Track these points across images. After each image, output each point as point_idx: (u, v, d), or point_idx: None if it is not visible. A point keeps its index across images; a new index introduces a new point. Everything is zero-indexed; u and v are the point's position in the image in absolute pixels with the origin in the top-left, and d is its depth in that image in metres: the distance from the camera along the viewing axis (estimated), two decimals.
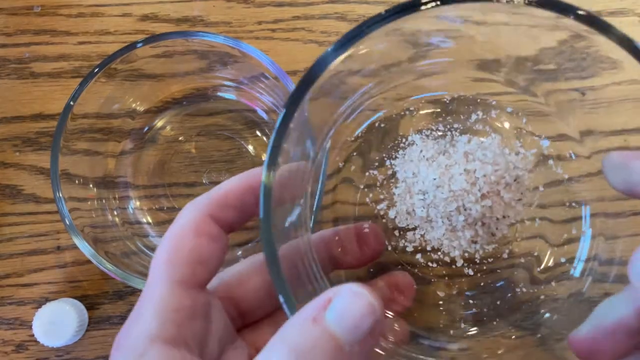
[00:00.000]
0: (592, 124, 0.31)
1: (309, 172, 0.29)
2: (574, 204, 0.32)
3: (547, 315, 0.31)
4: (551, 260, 0.32)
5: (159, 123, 0.40)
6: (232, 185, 0.26)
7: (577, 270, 0.31)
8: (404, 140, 0.33)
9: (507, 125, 0.33)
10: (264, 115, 0.39)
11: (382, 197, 0.33)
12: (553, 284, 0.31)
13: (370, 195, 0.33)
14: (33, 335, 0.36)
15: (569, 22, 0.23)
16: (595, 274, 0.30)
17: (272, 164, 0.23)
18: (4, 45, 0.41)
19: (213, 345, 0.25)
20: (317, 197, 0.31)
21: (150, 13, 0.42)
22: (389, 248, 0.33)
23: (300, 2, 0.41)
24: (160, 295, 0.24)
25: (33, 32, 0.41)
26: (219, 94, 0.40)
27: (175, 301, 0.23)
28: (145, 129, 0.40)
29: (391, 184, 0.33)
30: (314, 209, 0.31)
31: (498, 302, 0.32)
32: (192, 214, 0.25)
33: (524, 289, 0.32)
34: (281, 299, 0.22)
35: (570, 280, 0.31)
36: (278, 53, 0.40)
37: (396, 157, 0.33)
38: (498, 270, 0.32)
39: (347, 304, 0.20)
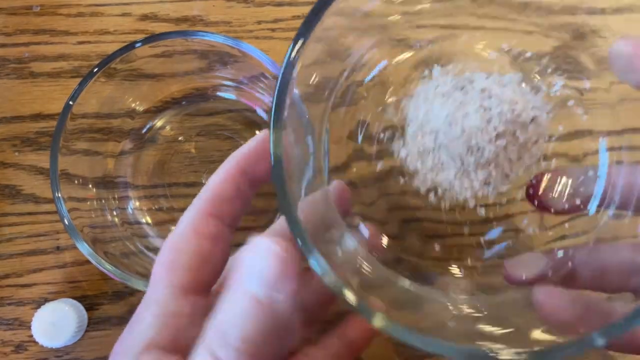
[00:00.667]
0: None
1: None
2: (591, 145, 0.31)
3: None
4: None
5: (159, 123, 0.40)
6: (222, 176, 0.26)
7: (591, 209, 0.30)
8: (422, 74, 0.32)
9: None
10: (264, 115, 0.39)
11: (397, 136, 0.32)
12: (566, 225, 0.31)
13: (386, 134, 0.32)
14: (32, 336, 0.36)
15: None
16: (609, 214, 0.30)
17: (278, 120, 0.22)
18: (3, 45, 0.41)
19: None
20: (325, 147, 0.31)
21: (149, 13, 0.41)
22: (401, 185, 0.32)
23: (300, 2, 0.41)
24: (158, 301, 0.23)
25: (32, 31, 0.41)
26: (219, 93, 0.40)
27: (174, 307, 0.23)
28: (145, 129, 0.39)
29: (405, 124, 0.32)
30: (326, 157, 0.31)
31: (510, 243, 0.31)
32: (190, 216, 0.25)
33: (537, 230, 0.31)
34: (311, 263, 0.22)
35: (583, 218, 0.30)
36: (278, 53, 0.40)
37: (411, 95, 0.32)
38: (512, 213, 0.32)
39: (252, 258, 0.21)
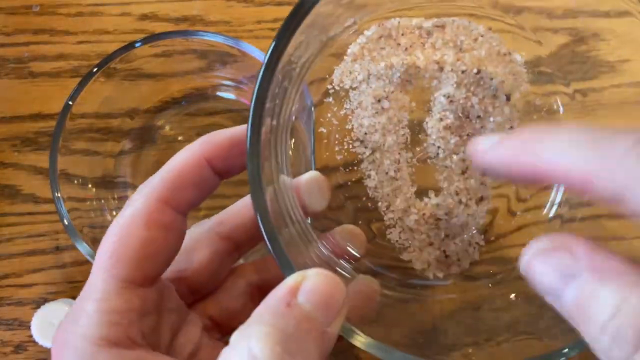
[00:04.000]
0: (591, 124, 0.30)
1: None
2: None
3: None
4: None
5: (158, 123, 0.40)
6: (184, 161, 0.24)
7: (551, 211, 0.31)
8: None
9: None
10: None
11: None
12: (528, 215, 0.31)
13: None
14: (32, 336, 0.36)
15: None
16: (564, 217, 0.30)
17: (258, 117, 0.21)
18: (3, 44, 0.41)
19: (166, 333, 0.24)
20: (311, 142, 0.30)
21: (149, 12, 0.41)
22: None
23: None
24: (104, 295, 0.22)
25: (32, 31, 0.41)
26: (219, 93, 0.40)
27: (121, 302, 0.22)
28: (145, 128, 0.39)
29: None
30: (311, 152, 0.30)
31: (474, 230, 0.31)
32: (142, 201, 0.23)
33: (501, 221, 0.31)
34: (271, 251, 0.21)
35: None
36: None
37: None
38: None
39: (316, 283, 0.20)
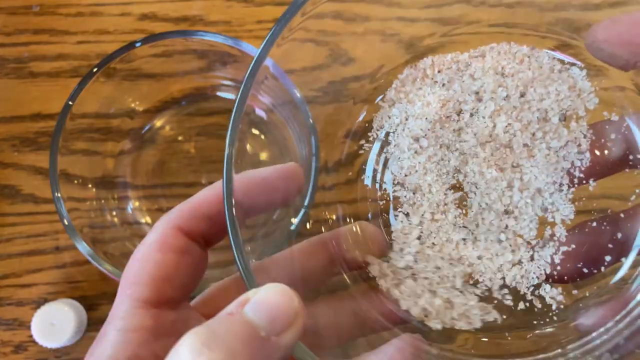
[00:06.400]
0: None
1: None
2: None
3: None
4: None
5: (158, 123, 0.40)
6: (205, 194, 0.25)
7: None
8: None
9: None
10: (264, 115, 0.39)
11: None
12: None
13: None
14: (32, 336, 0.36)
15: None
16: None
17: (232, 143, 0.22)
18: (3, 44, 0.41)
19: None
20: (308, 193, 0.30)
21: (149, 12, 0.41)
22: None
23: None
24: (121, 315, 0.23)
25: (32, 31, 0.41)
26: (218, 93, 0.40)
27: (135, 321, 0.23)
28: (145, 128, 0.39)
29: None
30: (305, 205, 0.30)
31: None
32: (160, 228, 0.24)
33: None
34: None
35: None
36: (277, 52, 0.40)
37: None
38: None
39: (264, 294, 0.20)
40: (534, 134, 0.26)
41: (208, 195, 0.25)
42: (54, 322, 0.36)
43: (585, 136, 0.26)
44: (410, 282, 0.27)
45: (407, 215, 0.28)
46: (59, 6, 0.42)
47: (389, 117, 0.29)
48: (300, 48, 0.27)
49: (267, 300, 0.20)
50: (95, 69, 0.34)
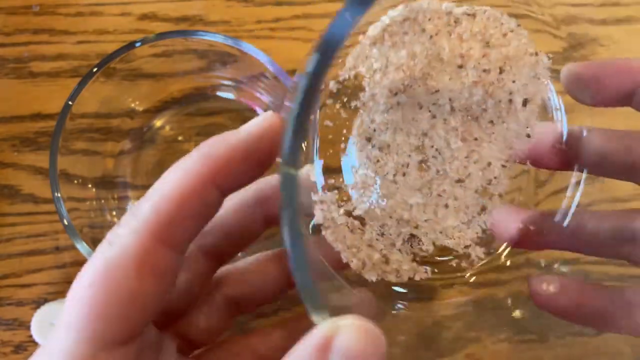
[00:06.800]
0: None
1: None
2: None
3: None
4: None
5: (158, 123, 0.40)
6: (182, 185, 0.19)
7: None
8: None
9: None
10: None
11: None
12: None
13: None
14: (32, 336, 0.36)
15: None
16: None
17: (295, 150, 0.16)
18: (2, 44, 0.41)
19: None
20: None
21: (149, 12, 0.41)
22: None
23: (300, 1, 0.41)
24: (73, 357, 0.18)
25: (31, 31, 0.41)
26: (218, 93, 0.40)
27: None
28: (144, 128, 0.39)
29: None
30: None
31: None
32: (131, 240, 0.18)
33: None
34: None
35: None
36: (278, 52, 0.40)
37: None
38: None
39: (351, 341, 0.16)
40: (500, 112, 0.27)
41: (189, 183, 0.19)
42: (54, 322, 0.36)
43: (535, 124, 0.28)
44: (351, 235, 0.27)
45: (367, 169, 0.27)
46: (58, 6, 0.42)
47: (366, 58, 0.26)
48: (303, 47, 0.26)
49: (357, 350, 0.16)
50: (95, 69, 0.34)
